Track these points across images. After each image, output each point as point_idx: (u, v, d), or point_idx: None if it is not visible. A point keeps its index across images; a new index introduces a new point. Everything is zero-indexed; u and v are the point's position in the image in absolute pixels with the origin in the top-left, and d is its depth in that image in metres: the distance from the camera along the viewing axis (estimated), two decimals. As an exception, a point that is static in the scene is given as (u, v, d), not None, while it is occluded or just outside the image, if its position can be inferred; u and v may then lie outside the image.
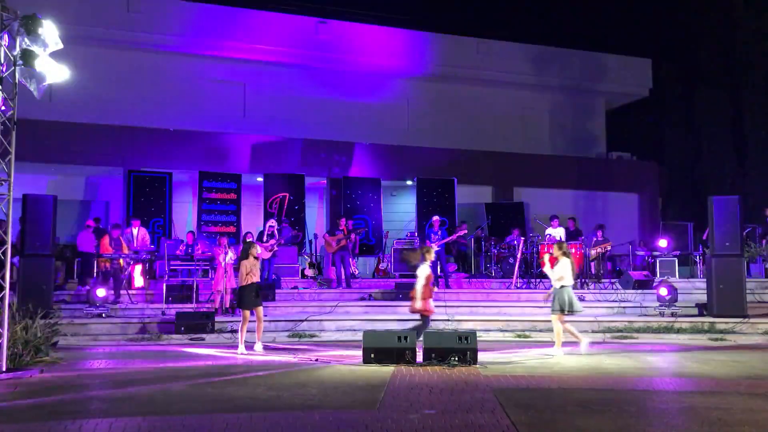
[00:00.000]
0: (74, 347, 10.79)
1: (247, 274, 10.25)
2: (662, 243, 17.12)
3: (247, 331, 10.47)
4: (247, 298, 10.26)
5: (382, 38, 21.47)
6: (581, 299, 14.42)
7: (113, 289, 13.56)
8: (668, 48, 27.19)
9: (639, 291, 14.58)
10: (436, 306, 13.86)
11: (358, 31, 21.35)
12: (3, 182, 8.36)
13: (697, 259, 18.06)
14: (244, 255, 10.42)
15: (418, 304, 9.81)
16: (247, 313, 10.35)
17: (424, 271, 9.89)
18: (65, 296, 13.74)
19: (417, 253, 10.30)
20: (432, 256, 10.18)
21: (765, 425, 5.78)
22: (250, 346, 10.39)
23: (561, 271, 9.98)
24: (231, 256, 13.48)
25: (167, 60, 19.75)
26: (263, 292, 10.55)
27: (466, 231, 16.86)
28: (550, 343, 11.00)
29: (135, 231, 14.96)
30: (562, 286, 9.97)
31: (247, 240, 12.25)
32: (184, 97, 19.92)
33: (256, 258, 10.50)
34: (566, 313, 9.93)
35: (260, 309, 10.46)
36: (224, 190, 18.08)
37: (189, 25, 19.50)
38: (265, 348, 10.52)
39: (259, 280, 10.44)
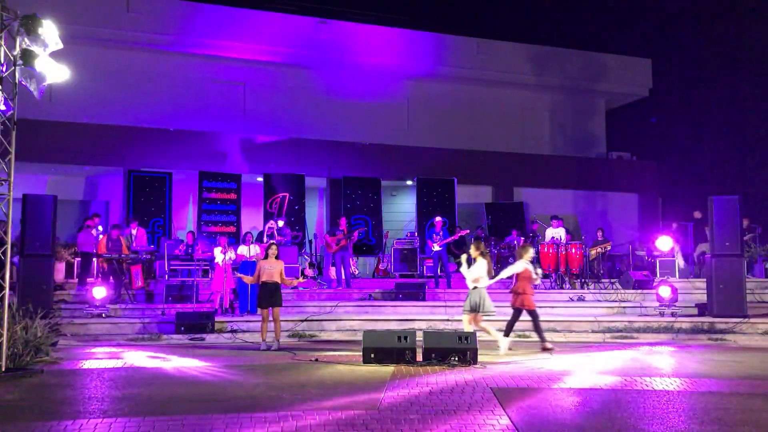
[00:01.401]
0: (74, 347, 10.78)
1: (260, 274, 10.45)
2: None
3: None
4: (260, 297, 10.50)
5: (382, 38, 21.47)
6: (581, 299, 14.51)
7: (113, 289, 13.56)
8: (668, 48, 27.18)
9: (639, 291, 14.60)
10: (436, 306, 14.01)
11: (358, 31, 21.35)
12: (3, 182, 8.35)
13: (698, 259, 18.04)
14: (265, 255, 10.76)
15: (530, 300, 10.02)
16: (265, 312, 10.50)
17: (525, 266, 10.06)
18: (65, 296, 13.75)
19: (519, 252, 10.43)
20: (529, 254, 10.23)
21: (765, 425, 5.78)
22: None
23: (477, 272, 9.87)
24: (231, 255, 13.52)
25: (167, 60, 19.76)
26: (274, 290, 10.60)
27: (468, 231, 17.21)
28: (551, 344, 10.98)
29: (134, 231, 15.03)
30: (475, 287, 9.87)
31: (273, 241, 12.47)
32: (184, 97, 19.94)
33: (277, 258, 10.66)
34: (479, 313, 9.85)
35: (277, 309, 10.56)
36: (224, 190, 18.09)
37: (189, 26, 19.49)
38: (266, 348, 10.52)
39: (274, 280, 10.46)
